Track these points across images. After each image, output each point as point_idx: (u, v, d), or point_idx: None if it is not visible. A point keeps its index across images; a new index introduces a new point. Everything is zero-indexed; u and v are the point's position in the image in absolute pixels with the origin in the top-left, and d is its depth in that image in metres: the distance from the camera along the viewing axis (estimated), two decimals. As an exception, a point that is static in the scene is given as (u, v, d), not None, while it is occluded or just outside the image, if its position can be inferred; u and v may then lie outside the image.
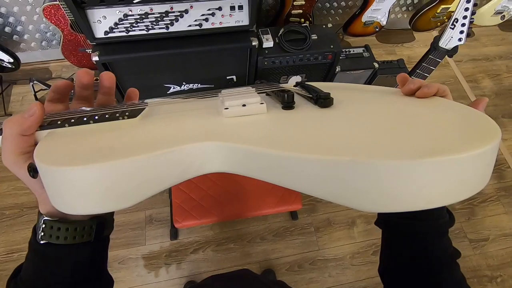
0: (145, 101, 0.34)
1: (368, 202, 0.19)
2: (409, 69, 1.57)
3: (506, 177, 1.70)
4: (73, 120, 0.27)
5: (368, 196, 0.19)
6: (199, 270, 1.37)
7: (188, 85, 1.38)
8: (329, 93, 0.29)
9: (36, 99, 1.64)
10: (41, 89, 1.66)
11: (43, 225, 0.28)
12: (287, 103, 0.29)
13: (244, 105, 0.28)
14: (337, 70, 1.50)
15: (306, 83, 0.35)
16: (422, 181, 0.18)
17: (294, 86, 0.37)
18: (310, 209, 1.53)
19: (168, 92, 1.38)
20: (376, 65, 1.55)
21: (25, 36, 1.65)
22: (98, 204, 0.22)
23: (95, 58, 1.10)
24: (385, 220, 0.40)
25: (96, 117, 0.27)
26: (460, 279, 0.36)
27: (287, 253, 1.43)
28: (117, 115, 0.28)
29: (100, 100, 0.33)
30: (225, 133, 0.25)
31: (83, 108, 0.31)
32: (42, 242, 0.28)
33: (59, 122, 0.27)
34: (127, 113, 0.28)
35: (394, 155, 0.18)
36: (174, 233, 1.41)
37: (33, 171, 0.24)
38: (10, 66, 1.56)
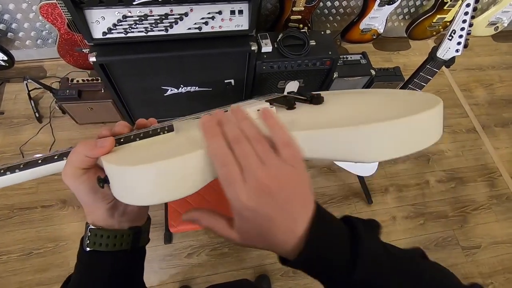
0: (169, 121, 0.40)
1: (359, 155, 0.27)
2: (405, 77, 1.59)
3: (498, 185, 1.72)
4: (122, 140, 0.32)
5: (361, 151, 0.27)
6: (193, 274, 1.35)
7: (185, 87, 1.37)
8: (319, 93, 0.38)
9: (30, 97, 1.61)
10: (35, 88, 1.63)
11: (89, 233, 0.32)
12: (291, 104, 0.37)
13: (258, 110, 0.34)
14: (334, 76, 1.51)
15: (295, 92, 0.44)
16: (390, 137, 0.27)
17: (288, 93, 0.45)
18: (305, 214, 1.53)
19: (165, 94, 1.37)
20: (373, 72, 1.57)
21: (20, 34, 1.62)
22: (160, 195, 0.26)
23: (93, 59, 1.08)
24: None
25: (141, 135, 0.33)
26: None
27: (282, 258, 1.42)
28: (158, 131, 0.33)
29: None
30: None
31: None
32: (87, 249, 0.32)
33: None
34: (166, 129, 0.33)
35: (378, 119, 0.27)
36: (168, 237, 1.40)
37: (102, 181, 0.28)
38: (3, 64, 1.54)
